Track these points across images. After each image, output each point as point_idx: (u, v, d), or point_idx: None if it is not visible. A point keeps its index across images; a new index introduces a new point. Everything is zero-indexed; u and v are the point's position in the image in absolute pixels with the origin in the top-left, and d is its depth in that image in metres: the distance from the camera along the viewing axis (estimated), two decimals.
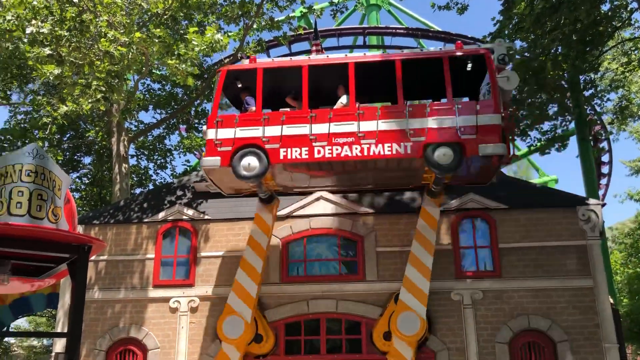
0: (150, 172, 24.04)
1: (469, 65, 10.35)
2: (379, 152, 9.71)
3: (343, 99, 10.55)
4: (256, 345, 11.95)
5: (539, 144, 21.37)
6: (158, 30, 13.95)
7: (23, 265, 5.68)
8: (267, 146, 10.01)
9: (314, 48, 16.70)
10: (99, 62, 13.62)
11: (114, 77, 14.27)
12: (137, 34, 13.32)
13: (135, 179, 23.37)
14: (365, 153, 9.74)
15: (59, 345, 12.63)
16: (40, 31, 13.00)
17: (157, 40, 13.76)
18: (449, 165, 9.57)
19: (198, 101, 20.57)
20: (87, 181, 23.69)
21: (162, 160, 23.81)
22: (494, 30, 17.56)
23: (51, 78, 13.68)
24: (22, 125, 19.32)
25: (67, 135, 22.24)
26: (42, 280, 6.14)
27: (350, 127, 9.89)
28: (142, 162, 24.01)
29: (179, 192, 14.26)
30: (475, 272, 12.58)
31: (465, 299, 12.31)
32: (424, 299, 11.25)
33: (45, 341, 40.47)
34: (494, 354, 11.93)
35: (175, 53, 14.20)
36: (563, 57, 16.89)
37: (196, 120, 21.52)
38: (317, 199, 13.36)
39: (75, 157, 23.17)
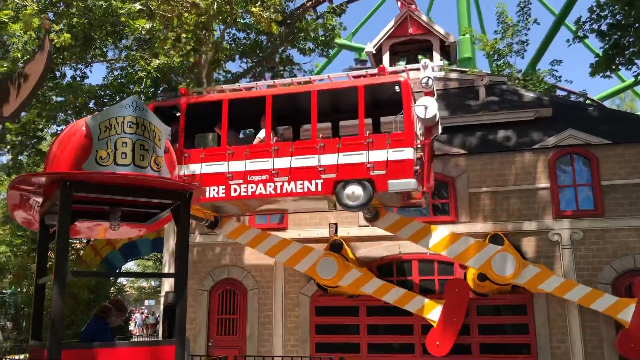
0: None
1: (389, 92, 9.73)
2: (291, 189, 9.47)
3: (260, 134, 10.23)
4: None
5: None
6: None
7: (131, 212, 6.06)
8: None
9: None
10: (186, 14, 13.88)
11: (202, 28, 14.51)
12: None
13: None
14: (279, 191, 9.54)
15: (167, 285, 13.54)
16: None
17: None
18: (358, 203, 9.15)
19: (282, 48, 20.58)
20: None
21: None
22: None
23: (143, 33, 14.12)
24: (119, 80, 20.22)
25: (161, 88, 23.09)
26: (148, 226, 6.55)
27: (265, 164, 9.68)
28: None
29: None
30: (574, 211, 12.03)
31: (564, 239, 11.87)
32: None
33: (153, 282, 43.66)
34: None
35: (259, 0, 14.18)
36: None
37: (281, 67, 21.60)
38: None
39: None
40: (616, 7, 17.09)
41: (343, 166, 9.34)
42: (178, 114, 10.62)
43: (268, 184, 9.60)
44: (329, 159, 9.41)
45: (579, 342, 11.41)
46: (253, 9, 14.14)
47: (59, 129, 19.52)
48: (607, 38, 17.90)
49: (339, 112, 10.85)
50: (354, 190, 9.18)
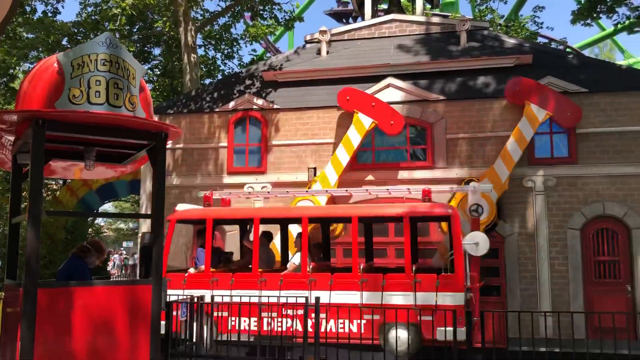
0: (218, 62, 24.18)
1: (436, 222, 9.45)
2: (330, 329, 8.67)
3: (295, 259, 9.52)
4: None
5: (627, 21, 19.64)
6: None
7: (107, 152, 5.99)
8: (215, 314, 9.14)
9: None
10: None
11: None
12: None
13: (204, 69, 23.60)
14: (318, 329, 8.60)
15: (145, 226, 13.59)
16: None
17: None
18: (404, 349, 8.40)
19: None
20: (158, 72, 24.16)
21: (229, 50, 23.81)
22: None
23: None
24: (93, 18, 19.58)
25: (137, 27, 22.43)
26: (124, 166, 6.49)
27: (302, 295, 8.75)
28: (210, 52, 24.12)
29: (248, 82, 14.35)
30: (549, 158, 12.23)
31: (538, 185, 12.10)
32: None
33: (130, 224, 43.73)
34: (565, 239, 11.86)
35: None
36: None
37: (261, 7, 21.08)
38: (387, 86, 13.09)
39: (146, 48, 23.49)
40: None
41: (388, 307, 8.46)
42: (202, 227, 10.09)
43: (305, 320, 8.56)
44: (372, 298, 8.61)
45: (547, 285, 11.82)
46: None
47: (31, 67, 18.96)
48: None
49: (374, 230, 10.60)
50: (400, 335, 8.44)
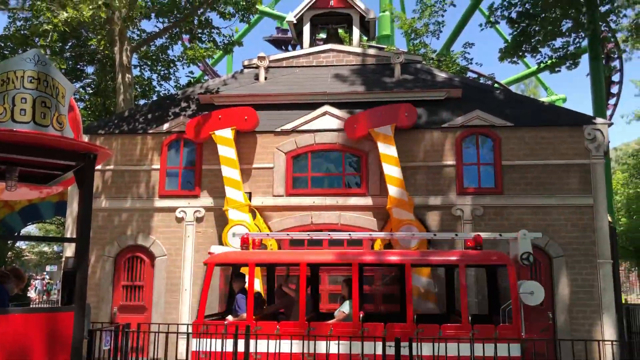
0: (154, 83, 23.77)
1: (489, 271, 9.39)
2: None
3: (345, 307, 9.10)
4: None
5: (549, 61, 20.89)
6: None
7: (31, 172, 5.75)
8: None
9: None
10: None
11: None
12: None
13: (139, 89, 23.15)
14: None
15: (69, 250, 13.04)
16: None
17: None
18: None
19: (201, 10, 19.96)
20: (90, 91, 23.48)
21: (166, 71, 23.46)
22: None
23: None
24: (23, 32, 18.88)
25: (69, 44, 21.80)
26: (49, 188, 6.25)
27: (354, 346, 8.22)
28: (146, 72, 23.68)
29: (184, 104, 14.18)
30: (477, 188, 12.70)
31: (466, 214, 12.52)
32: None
33: (55, 247, 41.79)
34: None
35: None
36: None
37: (199, 30, 20.97)
38: (323, 114, 13.29)
39: (78, 66, 22.82)
40: None
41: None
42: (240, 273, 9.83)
43: None
44: (428, 349, 8.10)
45: None
46: None
47: None
48: (516, 25, 18.80)
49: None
50: None
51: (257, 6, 20.29)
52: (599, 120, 12.97)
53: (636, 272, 32.57)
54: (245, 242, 9.69)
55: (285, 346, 8.32)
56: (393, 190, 12.18)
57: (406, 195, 12.16)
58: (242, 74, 14.77)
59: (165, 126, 13.74)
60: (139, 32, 22.01)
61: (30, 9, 18.08)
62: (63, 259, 13.42)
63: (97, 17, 15.99)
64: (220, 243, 12.45)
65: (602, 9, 19.62)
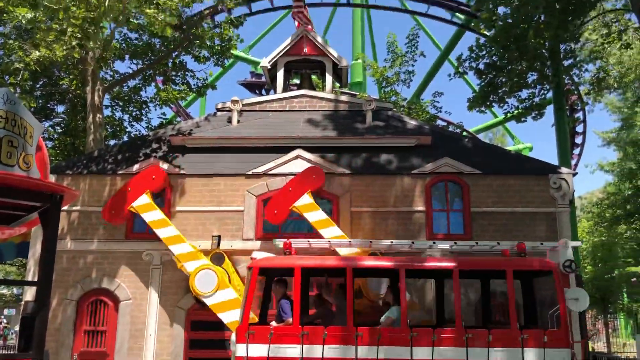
0: (125, 123, 23.66)
1: (536, 277, 9.52)
2: None
3: (393, 312, 9.11)
4: None
5: (516, 111, 21.54)
6: None
7: None
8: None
9: (295, 4, 16.43)
10: (74, 8, 13.18)
11: (90, 24, 13.82)
12: None
13: (109, 130, 22.99)
14: None
15: (29, 293, 12.60)
16: None
17: None
18: None
19: (176, 53, 20.13)
20: (60, 130, 23.21)
21: (138, 112, 23.40)
22: None
23: (24, 22, 13.20)
24: None
25: (40, 83, 21.64)
26: (12, 229, 6.09)
27: (403, 352, 8.33)
28: (117, 113, 23.59)
29: (155, 145, 14.10)
30: (446, 234, 12.80)
31: None
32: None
33: (15, 290, 40.36)
34: None
35: (154, 2, 13.80)
36: (545, 25, 16.88)
37: (173, 73, 21.11)
38: (295, 158, 13.35)
39: (49, 105, 22.62)
40: (493, 48, 18.60)
41: None
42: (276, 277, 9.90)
43: None
44: (477, 354, 8.28)
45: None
46: (147, 10, 13.74)
47: None
48: (483, 76, 19.40)
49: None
50: None
51: (231, 51, 20.58)
52: (564, 169, 13.32)
53: (602, 320, 32.90)
54: (287, 248, 9.60)
55: (332, 351, 8.44)
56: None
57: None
58: (215, 116, 14.82)
59: (135, 167, 13.60)
60: (112, 73, 22.03)
61: (2, 48, 17.97)
62: (22, 302, 12.94)
63: (70, 57, 15.98)
64: (187, 288, 12.19)
65: (566, 62, 20.44)
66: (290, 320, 8.99)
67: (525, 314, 10.14)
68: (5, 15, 14.85)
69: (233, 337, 8.95)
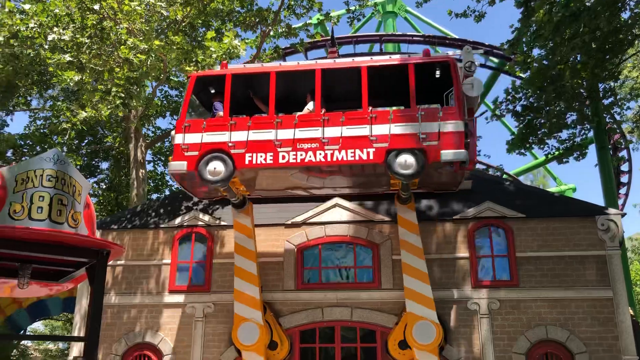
0: (167, 177, 24.23)
1: (436, 73, 10.36)
2: (342, 157, 9.68)
3: (309, 105, 10.54)
4: (271, 352, 11.94)
5: (556, 152, 21.14)
6: (176, 37, 14.08)
7: (42, 269, 5.73)
8: (232, 151, 10.04)
9: (330, 55, 16.75)
10: (118, 69, 13.78)
11: (133, 83, 14.42)
12: (156, 42, 13.44)
13: (152, 184, 23.55)
14: (329, 159, 9.72)
15: (76, 349, 12.72)
16: (62, 38, 13.21)
17: (175, 47, 13.89)
18: (410, 172, 9.47)
19: None
20: (104, 186, 23.93)
21: None
22: (512, 38, 17.45)
23: (71, 84, 13.85)
24: (42, 131, 19.58)
25: (86, 141, 22.49)
26: (60, 285, 6.20)
27: (315, 132, 9.90)
28: (159, 167, 24.23)
29: (195, 198, 14.32)
30: (492, 281, 12.45)
31: (482, 308, 12.19)
32: (431, 304, 11.32)
33: (60, 345, 40.82)
34: None
35: (193, 60, 14.31)
36: (582, 65, 16.71)
37: None
38: (333, 206, 13.34)
39: (93, 162, 23.41)
40: (529, 90, 18.47)
41: (395, 136, 9.59)
42: (213, 90, 10.95)
43: (318, 152, 9.69)
44: (380, 129, 9.64)
45: None
46: (187, 68, 14.24)
47: None
48: (521, 118, 19.21)
49: (382, 93, 11.09)
50: (407, 159, 9.38)
51: None
52: (611, 210, 12.90)
53: None
54: (224, 67, 11.00)
55: (255, 135, 10.07)
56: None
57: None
58: None
59: (177, 220, 13.81)
60: (153, 129, 22.73)
61: (51, 109, 18.85)
62: (69, 357, 13.06)
63: (115, 116, 16.61)
64: (231, 341, 12.10)
65: (606, 101, 20.09)
66: (221, 113, 10.56)
67: (427, 99, 11.20)
68: (54, 79, 15.63)
69: (173, 131, 10.59)
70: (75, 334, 13.17)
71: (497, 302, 12.20)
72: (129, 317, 13.19)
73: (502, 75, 29.91)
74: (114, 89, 14.01)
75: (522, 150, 20.69)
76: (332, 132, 9.83)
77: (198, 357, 12.62)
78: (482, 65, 31.32)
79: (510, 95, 19.43)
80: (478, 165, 27.61)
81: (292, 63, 11.03)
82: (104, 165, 24.01)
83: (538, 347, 11.88)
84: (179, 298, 13.10)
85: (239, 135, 10.11)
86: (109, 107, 14.30)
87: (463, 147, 9.38)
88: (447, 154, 9.36)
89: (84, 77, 13.79)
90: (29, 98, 19.96)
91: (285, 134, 9.94)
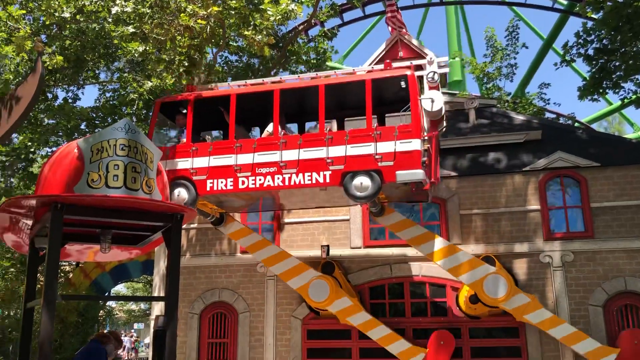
0: None
1: (394, 88, 9.86)
2: (299, 181, 9.48)
3: (269, 128, 10.34)
4: None
5: (633, 96, 19.96)
6: (234, 2, 14.09)
7: (122, 235, 6.03)
8: (194, 177, 10.02)
9: (388, 9, 16.33)
10: (180, 37, 13.98)
11: (195, 51, 14.61)
12: (215, 7, 13.50)
13: None
14: (287, 183, 9.55)
15: (158, 308, 13.41)
16: (124, 10, 13.47)
17: (233, 12, 13.91)
18: (366, 194, 9.12)
19: (274, 70, 20.74)
20: None
21: None
22: None
23: (136, 55, 14.19)
24: (111, 102, 20.25)
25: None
26: (139, 248, 6.50)
27: (273, 156, 9.70)
28: None
29: None
30: (565, 233, 12.10)
31: (555, 261, 11.91)
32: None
33: (142, 305, 43.18)
34: (587, 316, 11.53)
35: (252, 24, 14.30)
36: None
37: None
38: None
39: (162, 131, 24.08)
40: (602, 32, 17.41)
41: (351, 158, 9.38)
42: (184, 110, 10.77)
43: (276, 176, 9.63)
44: (337, 151, 9.45)
45: None
46: (245, 33, 14.25)
47: (50, 151, 19.46)
48: (594, 62, 18.19)
49: (345, 108, 10.96)
50: (362, 181, 9.18)
51: (327, 63, 20.85)
52: None
53: None
54: (190, 89, 11.19)
55: (215, 161, 9.99)
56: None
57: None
58: None
59: None
60: None
61: (118, 81, 19.44)
62: (151, 317, 13.81)
63: (179, 84, 16.95)
64: (302, 298, 12.42)
65: None
66: (184, 140, 10.54)
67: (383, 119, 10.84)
68: (119, 51, 16.06)
69: None
70: (155, 294, 13.87)
71: (571, 254, 11.87)
72: (204, 277, 13.74)
73: (571, 18, 28.33)
74: (177, 58, 14.25)
75: (596, 96, 19.66)
76: (290, 155, 9.65)
77: (271, 314, 13.05)
78: (549, 9, 29.76)
79: (582, 38, 18.40)
80: (547, 114, 26.53)
81: (258, 81, 10.81)
82: (172, 133, 24.66)
83: (616, 299, 11.53)
84: (251, 258, 13.48)
85: (201, 162, 10.09)
86: (173, 75, 14.57)
87: (419, 167, 8.97)
88: (402, 175, 8.98)
89: (147, 48, 14.09)
90: (97, 71, 20.61)
91: (245, 158, 9.85)
